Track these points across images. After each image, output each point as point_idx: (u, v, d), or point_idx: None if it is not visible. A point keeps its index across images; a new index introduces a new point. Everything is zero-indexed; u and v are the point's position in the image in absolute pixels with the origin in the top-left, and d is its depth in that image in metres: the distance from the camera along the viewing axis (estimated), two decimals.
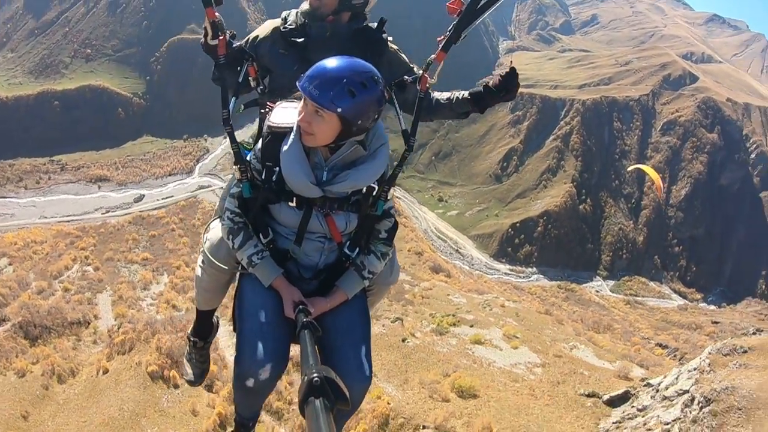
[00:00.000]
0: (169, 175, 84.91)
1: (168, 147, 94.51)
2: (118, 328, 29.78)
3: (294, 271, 2.81)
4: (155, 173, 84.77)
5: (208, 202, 73.35)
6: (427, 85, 3.02)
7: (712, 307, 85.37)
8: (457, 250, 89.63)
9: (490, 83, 2.98)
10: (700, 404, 19.07)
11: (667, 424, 19.67)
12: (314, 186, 2.55)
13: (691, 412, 19.15)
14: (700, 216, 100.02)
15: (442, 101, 3.20)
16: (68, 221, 64.97)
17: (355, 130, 2.46)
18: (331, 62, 2.37)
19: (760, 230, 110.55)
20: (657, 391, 22.86)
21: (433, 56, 2.93)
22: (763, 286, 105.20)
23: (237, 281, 2.95)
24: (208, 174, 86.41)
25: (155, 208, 70.47)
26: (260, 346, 2.45)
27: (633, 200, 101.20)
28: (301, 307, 2.49)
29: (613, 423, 23.90)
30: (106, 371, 25.23)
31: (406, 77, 3.14)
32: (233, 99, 2.86)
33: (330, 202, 2.65)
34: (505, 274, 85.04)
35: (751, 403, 19.10)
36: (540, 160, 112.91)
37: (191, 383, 3.72)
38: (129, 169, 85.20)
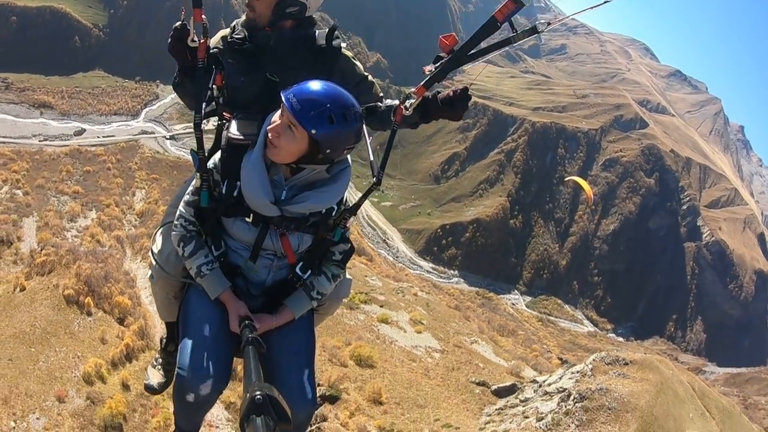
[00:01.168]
0: (114, 114, 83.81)
1: (118, 86, 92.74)
2: (41, 250, 30.88)
3: (242, 286, 2.78)
4: (100, 109, 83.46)
5: (148, 149, 73.48)
6: (402, 116, 2.93)
7: (621, 339, 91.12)
8: (384, 240, 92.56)
9: (439, 95, 2.90)
10: (575, 400, 22.51)
11: (543, 413, 23.11)
12: (273, 205, 2.54)
13: (566, 406, 22.56)
14: (623, 252, 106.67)
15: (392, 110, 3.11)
16: (3, 142, 63.91)
17: (320, 158, 2.45)
18: (320, 85, 2.38)
19: (678, 277, 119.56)
20: (540, 386, 26.36)
21: (413, 90, 2.88)
22: (672, 329, 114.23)
23: (185, 291, 2.90)
24: (153, 120, 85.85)
25: (94, 145, 69.94)
26: (202, 360, 2.41)
27: (563, 225, 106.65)
28: (246, 322, 2.47)
29: (496, 409, 27.27)
30: (23, 289, 26.24)
31: (380, 104, 3.08)
32: (204, 104, 2.80)
33: (287, 222, 2.62)
34: (427, 271, 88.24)
35: (621, 406, 22.77)
36: (481, 169, 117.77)
37: (152, 391, 3.56)
38: (75, 101, 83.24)
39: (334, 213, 2.75)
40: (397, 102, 2.97)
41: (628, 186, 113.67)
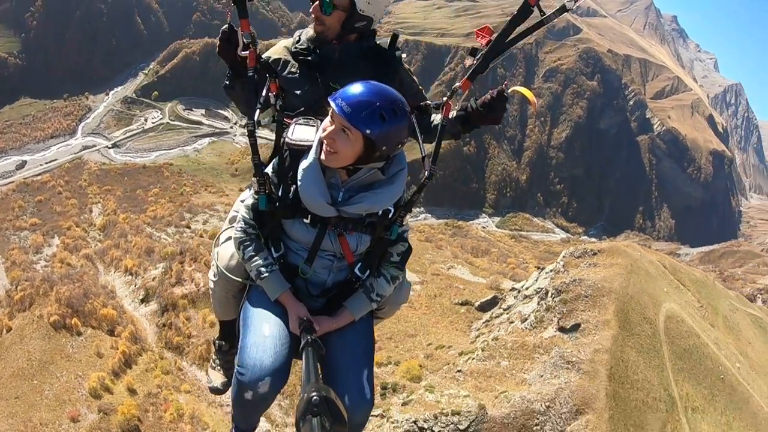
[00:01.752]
0: (51, 137, 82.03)
1: (48, 108, 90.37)
2: (16, 287, 31.27)
3: (302, 287, 2.82)
4: (36, 137, 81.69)
5: (94, 162, 72.73)
6: (451, 113, 3.03)
7: (594, 239, 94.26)
8: None
9: (478, 101, 3.02)
10: (552, 295, 24.73)
11: (526, 315, 25.13)
12: (329, 206, 2.58)
13: (546, 303, 24.73)
14: (580, 157, 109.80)
15: (444, 123, 3.13)
16: None
17: (377, 156, 2.50)
18: (365, 86, 2.43)
19: (637, 171, 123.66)
20: (519, 292, 28.43)
21: (458, 84, 2.95)
22: (640, 221, 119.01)
23: (246, 291, 2.94)
24: (91, 133, 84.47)
25: (39, 174, 69.06)
26: (261, 359, 2.45)
27: (516, 142, 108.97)
28: (306, 323, 2.52)
29: (483, 323, 29.44)
30: (9, 329, 26.88)
31: (428, 102, 3.18)
32: (258, 111, 2.88)
33: (344, 223, 2.65)
34: None
35: (596, 292, 25.06)
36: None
37: (217, 392, 3.65)
38: (8, 135, 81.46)
39: (390, 215, 2.74)
40: (444, 98, 3.04)
41: (572, 92, 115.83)
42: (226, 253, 3.04)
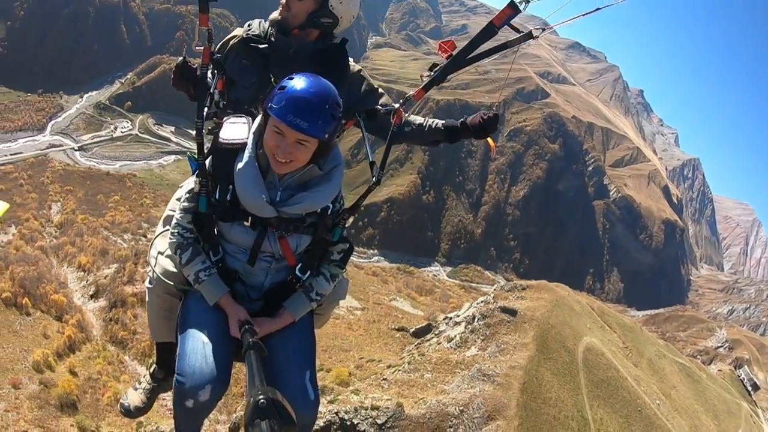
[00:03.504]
0: (20, 130, 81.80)
1: (21, 100, 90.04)
2: None
3: (241, 290, 2.78)
4: (5, 127, 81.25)
5: (58, 162, 72.73)
6: (401, 118, 3.02)
7: None
8: None
9: (468, 121, 3.02)
10: (478, 320, 26.73)
11: (452, 336, 27.04)
12: (269, 206, 2.54)
13: (471, 327, 26.73)
14: (535, 216, 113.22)
15: (414, 127, 3.19)
16: None
17: (326, 149, 2.52)
18: (307, 87, 2.35)
19: (590, 234, 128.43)
20: (451, 319, 30.46)
21: (412, 93, 2.95)
22: (590, 282, 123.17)
23: (182, 298, 2.87)
24: (60, 133, 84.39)
25: (3, 164, 68.66)
26: (201, 366, 2.40)
27: (475, 196, 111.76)
28: (247, 326, 2.47)
29: (415, 345, 31.19)
30: None
31: (379, 107, 3.11)
32: (206, 109, 2.82)
33: (285, 223, 2.62)
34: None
35: (519, 318, 27.21)
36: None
37: (128, 414, 3.57)
38: None
39: (329, 212, 2.72)
40: (396, 105, 3.04)
41: (534, 153, 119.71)
42: (162, 259, 2.97)
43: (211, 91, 2.97)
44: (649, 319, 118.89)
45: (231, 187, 2.59)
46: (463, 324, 26.93)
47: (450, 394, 22.38)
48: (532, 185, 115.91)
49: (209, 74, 2.96)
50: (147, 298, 3.13)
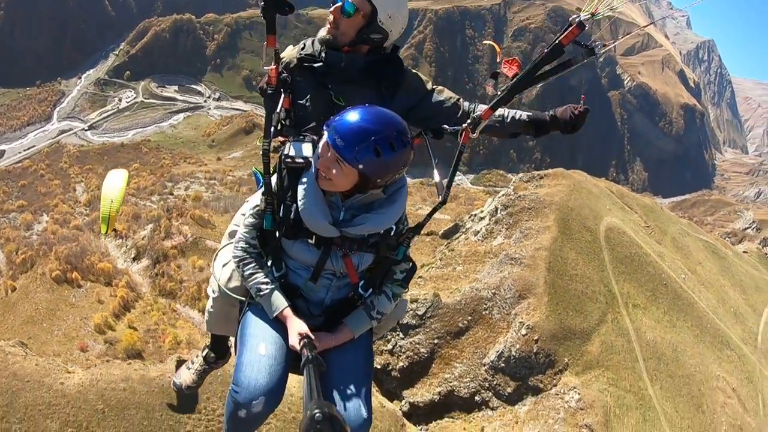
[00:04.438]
0: (28, 124, 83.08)
1: (22, 96, 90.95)
2: (17, 252, 33.53)
3: (302, 306, 2.82)
4: (12, 125, 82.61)
5: (72, 145, 74.14)
6: (469, 138, 2.95)
7: None
8: None
9: (558, 114, 2.94)
10: (500, 210, 27.94)
11: (478, 230, 28.46)
12: (332, 227, 2.57)
13: (495, 218, 28.00)
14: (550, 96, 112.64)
15: (494, 120, 3.06)
16: None
17: (372, 186, 2.51)
18: (362, 115, 2.37)
19: (609, 126, 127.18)
20: (476, 215, 31.78)
21: (480, 113, 2.89)
22: (614, 174, 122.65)
23: (244, 310, 2.91)
24: (67, 118, 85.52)
25: (19, 161, 70.35)
26: (256, 378, 2.44)
27: (487, 100, 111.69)
28: (306, 340, 2.48)
29: (445, 246, 32.76)
30: (14, 289, 29.11)
31: (446, 127, 3.04)
32: (273, 128, 2.84)
33: (348, 243, 2.64)
34: None
35: (538, 204, 28.43)
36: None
37: (179, 390, 3.79)
38: None
39: (393, 232, 2.73)
40: (464, 126, 2.96)
41: (541, 51, 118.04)
42: (226, 270, 3.03)
43: (278, 110, 2.93)
44: (675, 206, 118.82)
45: (295, 205, 2.62)
46: (487, 217, 28.16)
47: (482, 280, 23.83)
48: (544, 83, 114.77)
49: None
50: (209, 303, 3.28)
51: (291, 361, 2.61)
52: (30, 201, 52.11)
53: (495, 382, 21.18)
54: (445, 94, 3.19)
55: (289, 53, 3.14)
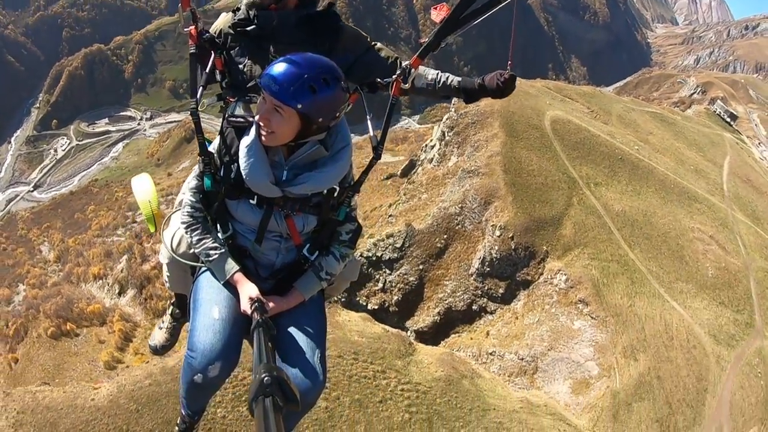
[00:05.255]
0: None
1: None
2: (7, 326, 33.54)
3: (251, 269, 2.80)
4: None
5: (24, 210, 72.90)
6: (400, 89, 2.93)
7: None
8: None
9: (486, 82, 2.89)
10: (447, 133, 29.13)
11: (431, 157, 29.66)
12: (273, 186, 2.56)
13: (445, 141, 29.14)
14: (476, 36, 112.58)
15: (425, 83, 3.07)
16: None
17: (315, 128, 2.47)
18: (292, 59, 2.36)
19: (537, 32, 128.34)
20: (427, 146, 33.02)
21: (408, 62, 2.89)
22: (554, 76, 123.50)
23: (196, 273, 2.92)
24: (10, 186, 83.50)
25: None
26: (211, 343, 2.44)
27: (412, 40, 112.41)
28: (257, 304, 2.49)
29: (406, 182, 34.17)
30: (16, 360, 29.37)
31: (378, 80, 3.02)
32: (200, 89, 2.80)
33: (291, 203, 2.63)
34: None
35: (481, 117, 29.77)
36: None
37: (155, 351, 3.84)
38: None
39: (336, 193, 2.71)
40: (394, 77, 2.95)
41: None
42: (176, 237, 3.05)
43: (209, 70, 2.92)
44: (620, 91, 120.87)
45: (236, 164, 2.61)
46: (437, 143, 29.28)
47: (447, 199, 24.87)
48: (473, 24, 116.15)
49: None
50: (163, 269, 3.36)
51: (245, 326, 2.58)
52: (1, 276, 51.54)
53: (486, 288, 22.48)
54: (384, 52, 3.19)
55: (223, 20, 3.13)
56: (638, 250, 28.18)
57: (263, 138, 2.47)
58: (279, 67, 2.34)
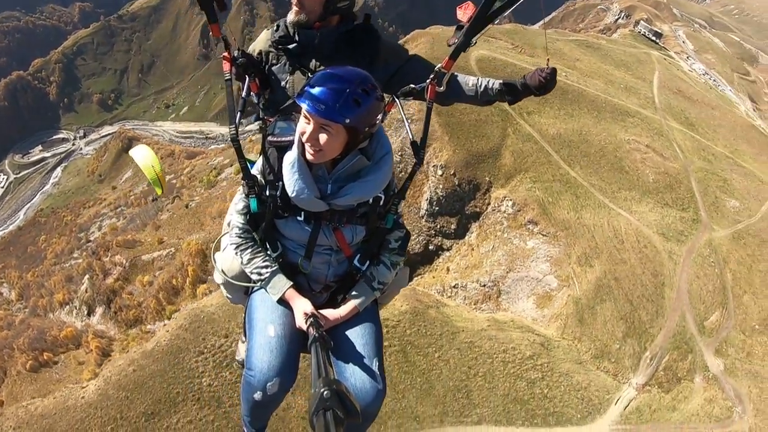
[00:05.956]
0: None
1: None
2: None
3: (303, 284, 2.84)
4: None
5: None
6: (435, 92, 2.94)
7: None
8: (206, 138, 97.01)
9: (528, 80, 2.92)
10: None
11: None
12: (319, 201, 2.57)
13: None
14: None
15: (467, 89, 3.09)
16: None
17: (362, 138, 2.49)
18: (329, 75, 2.39)
19: None
20: None
21: (441, 65, 2.89)
22: None
23: (249, 292, 2.96)
24: None
25: None
26: (269, 360, 2.48)
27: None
28: (312, 319, 2.51)
29: None
30: (1, 403, 28.59)
31: (413, 85, 3.01)
32: (239, 114, 2.83)
33: (338, 216, 2.65)
34: (257, 130, 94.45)
35: None
36: (234, 20, 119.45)
37: (243, 365, 3.46)
38: None
39: (382, 201, 2.71)
40: (428, 81, 2.95)
41: None
42: (227, 259, 3.06)
43: (245, 94, 2.96)
44: (545, 26, 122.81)
45: (281, 183, 2.62)
46: None
47: None
48: (500, 19, 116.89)
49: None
50: (222, 290, 3.33)
51: (301, 341, 2.61)
52: None
53: (438, 226, 23.54)
54: (423, 63, 3.20)
55: (263, 39, 3.18)
56: (578, 167, 29.63)
57: (311, 157, 2.48)
58: (320, 86, 2.35)
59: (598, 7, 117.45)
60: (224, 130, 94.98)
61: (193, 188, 53.45)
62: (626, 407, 21.88)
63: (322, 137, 2.37)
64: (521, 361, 21.02)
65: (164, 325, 23.25)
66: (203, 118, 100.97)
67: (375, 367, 2.60)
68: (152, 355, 17.88)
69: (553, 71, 2.84)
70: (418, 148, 2.86)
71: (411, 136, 2.89)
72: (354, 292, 2.78)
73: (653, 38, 79.44)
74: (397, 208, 2.82)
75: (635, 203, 30.58)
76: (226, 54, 2.86)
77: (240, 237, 2.79)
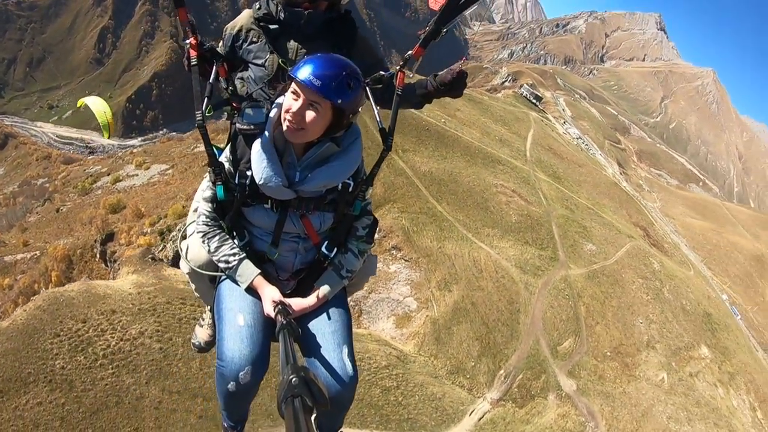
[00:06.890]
0: None
1: None
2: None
3: (271, 272, 2.84)
4: None
5: None
6: (405, 81, 2.96)
7: None
8: (86, 147, 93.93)
9: (438, 79, 3.01)
10: None
11: None
12: (287, 189, 2.58)
13: None
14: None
15: (423, 91, 3.15)
16: None
17: (345, 124, 2.53)
18: (327, 58, 2.43)
19: (360, 28, 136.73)
20: None
21: (411, 52, 2.90)
22: None
23: (217, 281, 2.94)
24: None
25: None
26: (239, 349, 2.47)
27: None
28: (280, 307, 2.52)
29: None
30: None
31: (383, 72, 3.01)
32: (206, 100, 2.73)
33: (305, 203, 2.67)
34: (140, 144, 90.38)
35: None
36: (134, 28, 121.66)
37: (200, 349, 3.82)
38: None
39: (350, 188, 2.75)
40: (397, 68, 2.96)
41: None
42: (193, 247, 3.05)
43: (213, 79, 2.86)
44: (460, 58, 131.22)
45: (249, 172, 2.62)
46: None
47: None
48: (471, 8, 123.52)
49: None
50: (188, 280, 3.30)
51: (271, 329, 2.62)
52: None
53: None
54: (390, 70, 3.15)
55: (246, 17, 3.16)
56: (445, 203, 32.45)
57: (289, 134, 2.50)
58: (318, 64, 2.39)
59: (487, 69, 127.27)
60: (105, 142, 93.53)
61: (66, 193, 52.32)
62: (481, 419, 23.93)
63: (309, 114, 2.42)
64: (376, 370, 22.66)
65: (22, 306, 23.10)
66: (86, 126, 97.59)
67: (345, 354, 2.61)
68: (6, 332, 17.86)
69: (462, 73, 2.96)
70: (387, 135, 2.87)
71: (380, 123, 2.88)
72: (322, 281, 2.81)
73: (534, 101, 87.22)
74: (365, 194, 2.84)
75: (497, 239, 33.71)
76: (192, 40, 2.80)
77: (207, 225, 2.79)
